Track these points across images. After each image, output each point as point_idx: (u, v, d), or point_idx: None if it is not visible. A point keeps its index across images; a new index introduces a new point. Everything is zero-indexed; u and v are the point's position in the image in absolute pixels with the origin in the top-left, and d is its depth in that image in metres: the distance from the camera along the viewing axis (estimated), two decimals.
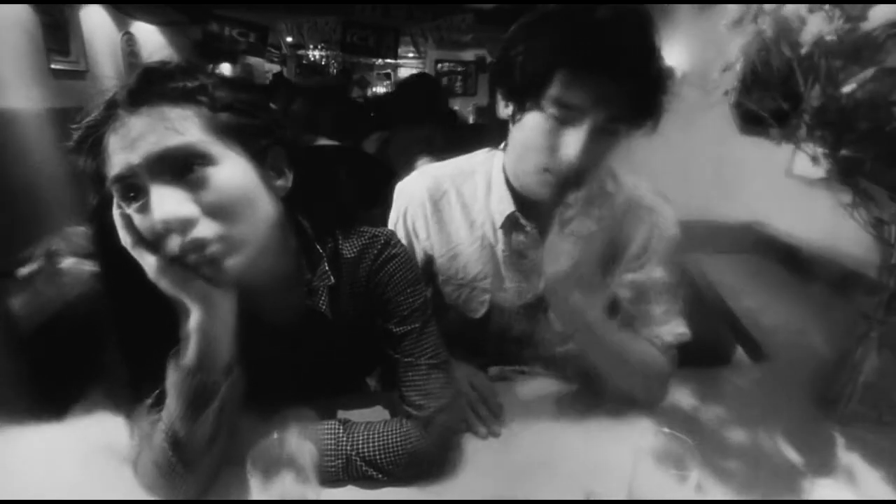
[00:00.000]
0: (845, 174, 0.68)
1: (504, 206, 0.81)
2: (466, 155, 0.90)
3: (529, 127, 0.69)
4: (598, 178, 0.75)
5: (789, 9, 0.61)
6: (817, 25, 0.59)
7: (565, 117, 0.66)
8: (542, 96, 0.66)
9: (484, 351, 0.91)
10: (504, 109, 0.74)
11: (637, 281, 0.81)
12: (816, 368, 0.83)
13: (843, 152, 0.66)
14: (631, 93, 0.64)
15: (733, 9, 0.66)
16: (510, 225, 0.81)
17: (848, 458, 0.72)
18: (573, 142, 0.66)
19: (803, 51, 0.61)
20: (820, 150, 0.68)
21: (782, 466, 0.70)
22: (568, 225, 0.67)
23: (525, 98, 0.68)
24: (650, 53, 0.65)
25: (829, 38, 0.59)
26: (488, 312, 0.87)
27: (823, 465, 0.70)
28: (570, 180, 0.70)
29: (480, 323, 0.88)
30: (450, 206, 0.86)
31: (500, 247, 0.83)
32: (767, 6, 0.63)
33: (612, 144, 0.70)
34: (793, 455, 0.71)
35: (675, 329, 0.80)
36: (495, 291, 0.85)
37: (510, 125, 0.74)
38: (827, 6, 0.59)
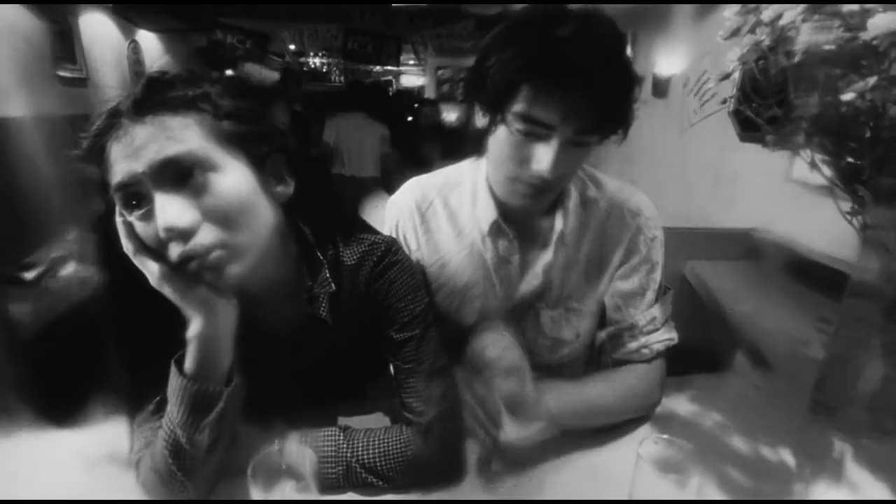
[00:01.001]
0: (845, 181, 0.68)
1: (488, 213, 0.81)
2: (455, 164, 0.90)
3: (501, 139, 0.69)
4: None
5: (786, 19, 0.61)
6: (814, 35, 0.59)
7: (532, 132, 0.66)
8: (509, 111, 0.66)
9: None
10: (481, 119, 0.74)
11: (623, 290, 0.82)
12: (817, 374, 0.83)
13: (844, 160, 0.67)
14: (598, 106, 0.63)
15: (731, 19, 0.67)
16: (496, 231, 0.82)
17: (848, 464, 0.71)
18: (544, 156, 0.66)
19: (797, 59, 0.61)
20: (819, 158, 0.68)
21: (782, 472, 0.70)
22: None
23: (496, 111, 0.68)
24: (614, 67, 0.64)
25: (826, 47, 0.60)
26: (480, 319, 0.87)
27: (823, 471, 0.70)
28: (543, 190, 0.71)
29: (473, 329, 0.88)
30: (436, 216, 0.86)
31: (489, 254, 0.83)
32: (765, 16, 0.63)
33: (583, 154, 0.70)
34: (793, 461, 0.71)
35: (663, 336, 0.80)
36: (486, 298, 0.85)
37: (487, 135, 0.74)
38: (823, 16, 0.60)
